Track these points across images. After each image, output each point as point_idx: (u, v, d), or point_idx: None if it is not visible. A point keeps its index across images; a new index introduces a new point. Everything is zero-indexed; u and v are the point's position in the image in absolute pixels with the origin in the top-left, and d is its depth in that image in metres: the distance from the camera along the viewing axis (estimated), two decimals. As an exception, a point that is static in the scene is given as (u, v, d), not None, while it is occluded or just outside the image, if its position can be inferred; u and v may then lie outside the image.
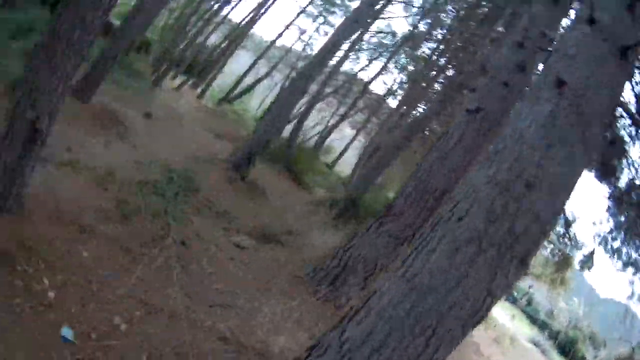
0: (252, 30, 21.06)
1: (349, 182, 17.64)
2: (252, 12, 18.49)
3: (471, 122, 5.12)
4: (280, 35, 21.39)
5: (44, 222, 3.33)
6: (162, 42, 17.40)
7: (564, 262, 11.02)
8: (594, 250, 7.93)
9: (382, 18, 16.39)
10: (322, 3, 21.02)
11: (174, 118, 9.46)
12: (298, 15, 21.04)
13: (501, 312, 14.14)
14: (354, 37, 14.85)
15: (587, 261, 9.29)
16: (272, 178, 10.67)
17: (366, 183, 10.88)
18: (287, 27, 21.11)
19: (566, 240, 9.55)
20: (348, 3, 20.26)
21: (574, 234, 9.58)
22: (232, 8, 18.65)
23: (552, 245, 10.46)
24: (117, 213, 3.93)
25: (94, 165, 4.41)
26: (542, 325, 21.87)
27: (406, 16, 17.80)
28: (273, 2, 18.28)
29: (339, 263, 5.05)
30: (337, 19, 20.92)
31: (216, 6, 17.14)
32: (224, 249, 4.83)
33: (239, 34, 19.44)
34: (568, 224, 9.21)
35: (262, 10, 18.48)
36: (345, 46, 14.61)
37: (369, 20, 13.83)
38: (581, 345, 21.76)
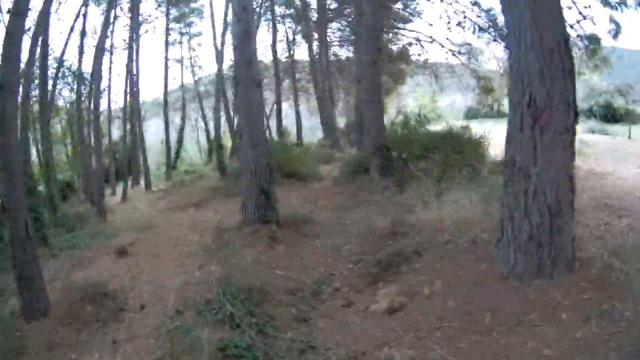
0: (141, 99, 19.76)
1: (330, 144, 16.73)
2: (126, 87, 17.57)
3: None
4: (166, 82, 20.78)
5: None
6: (76, 173, 15.83)
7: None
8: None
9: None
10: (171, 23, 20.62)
11: (146, 232, 7.20)
12: (166, 53, 20.52)
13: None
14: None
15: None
16: (290, 197, 8.51)
17: (378, 122, 8.79)
18: (166, 70, 20.61)
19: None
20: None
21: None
22: (108, 95, 16.58)
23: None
24: None
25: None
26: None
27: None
28: (137, 65, 17.50)
29: (530, 224, 3.07)
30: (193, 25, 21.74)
31: (91, 106, 14.16)
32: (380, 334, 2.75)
33: (132, 111, 17.77)
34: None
35: (134, 76, 17.35)
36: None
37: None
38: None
